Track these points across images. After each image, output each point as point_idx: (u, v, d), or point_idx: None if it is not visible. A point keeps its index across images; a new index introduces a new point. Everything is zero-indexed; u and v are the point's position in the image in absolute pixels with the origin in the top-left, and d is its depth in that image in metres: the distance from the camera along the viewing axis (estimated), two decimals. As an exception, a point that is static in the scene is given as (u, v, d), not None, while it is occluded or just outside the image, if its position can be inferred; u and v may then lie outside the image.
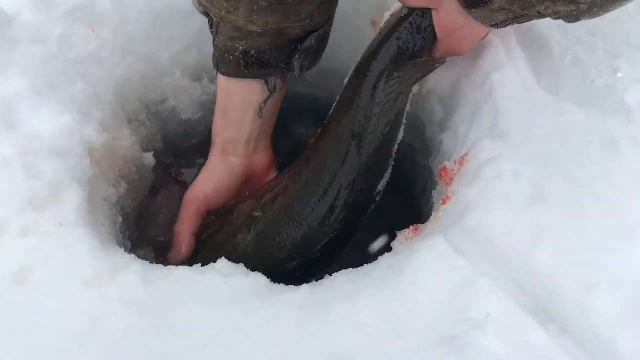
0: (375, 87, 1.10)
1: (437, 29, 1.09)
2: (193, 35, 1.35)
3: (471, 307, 0.83)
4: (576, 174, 0.91)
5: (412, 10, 1.10)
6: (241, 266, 0.99)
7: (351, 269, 0.97)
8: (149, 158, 1.30)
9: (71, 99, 1.11)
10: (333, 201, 1.10)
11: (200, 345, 0.83)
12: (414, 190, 1.44)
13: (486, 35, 1.10)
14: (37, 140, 1.02)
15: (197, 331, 0.85)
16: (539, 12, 0.89)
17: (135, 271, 0.92)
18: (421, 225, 1.07)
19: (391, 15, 1.14)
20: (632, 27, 1.09)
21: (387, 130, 1.11)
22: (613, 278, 0.82)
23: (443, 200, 1.04)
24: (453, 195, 1.02)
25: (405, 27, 1.10)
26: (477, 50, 1.14)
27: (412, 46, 1.10)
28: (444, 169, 1.10)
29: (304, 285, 0.94)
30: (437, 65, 1.09)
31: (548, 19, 1.09)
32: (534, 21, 1.12)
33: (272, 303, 0.89)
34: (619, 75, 1.02)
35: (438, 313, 0.83)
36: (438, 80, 1.22)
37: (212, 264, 0.98)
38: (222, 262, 0.98)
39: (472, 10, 0.95)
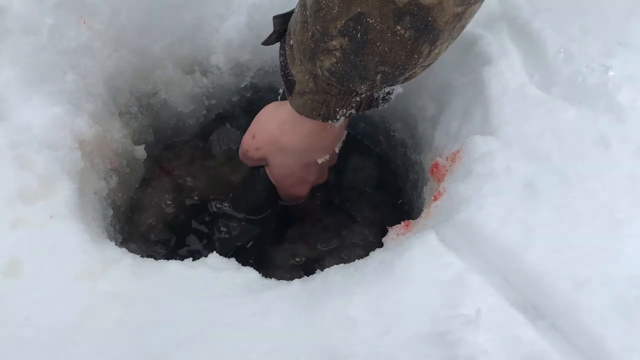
0: None
1: (271, 179, 1.23)
2: (185, 27, 1.34)
3: (462, 302, 0.83)
4: (567, 172, 0.92)
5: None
6: (232, 260, 0.99)
7: (342, 264, 0.97)
8: (140, 151, 1.29)
9: (62, 91, 1.11)
10: None
11: (191, 339, 0.83)
12: (405, 185, 1.44)
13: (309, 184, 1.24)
14: (28, 132, 1.02)
15: (188, 325, 0.85)
16: (339, 89, 0.96)
17: (126, 265, 0.91)
18: (412, 220, 1.07)
19: None
20: (624, 26, 1.09)
21: None
22: (603, 275, 0.82)
23: (434, 196, 1.05)
24: (445, 191, 1.02)
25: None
26: (470, 46, 1.14)
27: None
28: (436, 165, 1.11)
29: (296, 280, 0.94)
30: None
31: (541, 19, 1.10)
32: (527, 17, 1.13)
33: (263, 297, 0.89)
34: (611, 73, 1.02)
35: (429, 308, 0.84)
36: (430, 75, 1.22)
37: (203, 258, 0.98)
38: (214, 257, 0.98)
39: (289, 98, 1.04)
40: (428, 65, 0.92)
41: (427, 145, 1.25)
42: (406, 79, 0.95)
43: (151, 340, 0.83)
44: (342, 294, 0.88)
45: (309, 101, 1.00)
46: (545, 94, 1.03)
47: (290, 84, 1.02)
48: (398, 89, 1.04)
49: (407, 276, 0.88)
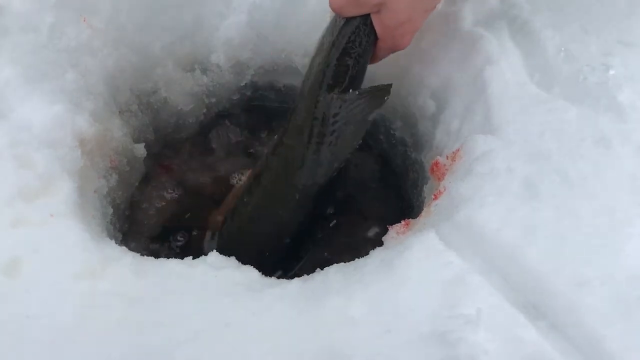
0: (325, 118, 1.10)
1: (377, 30, 1.08)
2: (185, 26, 1.34)
3: (462, 302, 0.83)
4: (568, 171, 0.92)
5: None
6: (232, 259, 0.99)
7: (342, 263, 0.97)
8: (140, 149, 1.29)
9: (62, 89, 1.11)
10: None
11: (191, 338, 0.83)
12: (405, 184, 1.44)
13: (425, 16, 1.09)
14: (28, 131, 1.02)
15: (188, 324, 0.85)
16: None
17: (126, 264, 0.91)
18: (412, 219, 1.07)
19: (333, 20, 1.13)
20: (625, 24, 1.09)
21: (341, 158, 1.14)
22: (603, 275, 0.82)
23: (435, 195, 1.04)
24: (445, 190, 1.02)
25: (348, 38, 1.09)
26: (471, 45, 1.14)
27: (356, 53, 1.10)
28: (436, 163, 1.10)
29: (296, 279, 0.94)
30: (383, 101, 1.10)
31: (542, 18, 1.10)
32: (527, 17, 1.12)
33: (264, 296, 0.89)
34: (611, 72, 1.02)
35: (429, 308, 0.83)
36: (431, 74, 1.22)
37: (203, 257, 0.98)
38: (214, 255, 0.98)
39: None
40: None
41: (428, 144, 1.25)
42: None
43: (151, 339, 0.83)
44: (342, 293, 0.88)
45: None
46: (546, 93, 1.03)
47: None
48: None
49: (407, 275, 0.88)
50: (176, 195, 1.42)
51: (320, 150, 1.11)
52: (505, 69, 1.08)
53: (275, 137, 1.21)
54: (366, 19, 1.07)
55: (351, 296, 0.87)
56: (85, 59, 1.19)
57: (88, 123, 1.11)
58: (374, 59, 1.14)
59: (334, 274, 0.93)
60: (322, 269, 0.97)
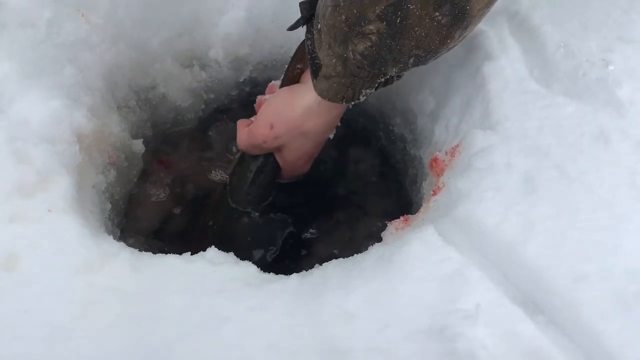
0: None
1: (280, 163, 1.24)
2: (184, 21, 1.34)
3: (460, 297, 0.83)
4: (567, 167, 0.92)
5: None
6: (231, 255, 0.99)
7: (341, 258, 0.97)
8: (139, 145, 1.29)
9: (60, 85, 1.10)
10: None
11: (189, 333, 0.83)
12: (404, 180, 1.44)
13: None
14: (26, 126, 1.01)
15: (186, 319, 0.85)
16: (369, 72, 0.98)
17: (124, 259, 0.91)
18: (411, 215, 1.07)
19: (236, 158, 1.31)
20: (625, 20, 1.09)
21: None
22: (602, 270, 0.82)
23: (434, 191, 1.04)
24: (444, 186, 1.02)
25: (255, 171, 1.28)
26: (470, 40, 1.14)
27: (260, 180, 1.30)
28: (435, 159, 1.10)
29: (294, 275, 0.94)
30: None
31: (541, 14, 1.10)
32: (527, 12, 1.12)
33: (262, 292, 0.89)
34: (611, 68, 1.02)
35: (427, 303, 0.84)
36: (430, 70, 1.22)
37: (201, 252, 0.98)
38: (212, 251, 0.98)
39: (314, 81, 1.05)
40: (452, 47, 0.95)
41: (427, 140, 1.25)
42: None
43: (149, 334, 0.82)
44: (341, 288, 0.88)
45: (334, 84, 1.02)
46: (545, 89, 1.03)
47: (316, 67, 1.03)
48: None
49: (406, 271, 0.88)
50: (175, 190, 1.42)
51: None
52: (504, 64, 1.08)
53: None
54: (267, 159, 1.25)
55: (350, 291, 0.87)
56: (83, 54, 1.19)
57: (86, 118, 1.11)
58: (281, 179, 1.31)
59: (333, 269, 0.93)
60: (321, 264, 0.97)
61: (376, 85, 1.03)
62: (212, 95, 1.47)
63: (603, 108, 0.97)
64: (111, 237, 1.01)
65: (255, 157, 1.25)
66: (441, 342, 0.79)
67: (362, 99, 1.05)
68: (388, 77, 1.02)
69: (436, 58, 0.96)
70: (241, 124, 1.22)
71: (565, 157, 0.93)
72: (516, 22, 1.13)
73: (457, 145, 1.05)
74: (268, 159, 1.25)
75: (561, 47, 1.06)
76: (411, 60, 0.93)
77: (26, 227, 0.91)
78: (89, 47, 1.20)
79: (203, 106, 1.48)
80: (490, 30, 1.13)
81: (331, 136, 1.20)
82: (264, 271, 0.97)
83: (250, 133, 1.18)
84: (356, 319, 0.83)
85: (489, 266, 0.86)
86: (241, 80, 1.47)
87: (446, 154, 1.08)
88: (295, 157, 1.21)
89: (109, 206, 1.18)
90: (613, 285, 0.81)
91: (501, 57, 1.09)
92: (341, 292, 0.87)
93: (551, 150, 0.94)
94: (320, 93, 1.05)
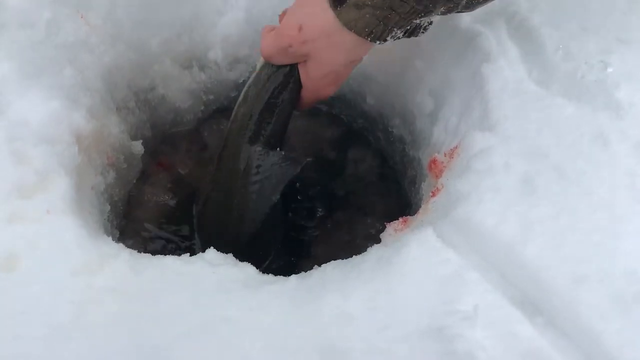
0: (247, 173, 1.17)
1: (302, 79, 1.11)
2: (183, 22, 1.34)
3: (459, 299, 0.83)
4: (566, 168, 0.92)
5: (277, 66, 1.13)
6: (230, 256, 0.99)
7: (340, 260, 0.97)
8: (138, 146, 1.29)
9: (59, 85, 1.10)
10: None
11: (188, 335, 0.83)
12: (403, 181, 1.44)
13: (353, 66, 1.10)
14: (25, 127, 1.01)
15: (184, 320, 0.85)
16: (413, 8, 0.90)
17: (123, 260, 0.91)
18: (410, 217, 1.07)
19: (259, 69, 1.16)
20: (623, 22, 1.09)
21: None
22: (601, 271, 0.83)
23: (432, 192, 1.04)
24: (443, 187, 1.02)
25: (271, 92, 1.14)
26: (469, 42, 1.14)
27: (278, 105, 1.15)
28: (434, 161, 1.10)
29: (293, 276, 0.94)
30: (297, 170, 1.17)
31: (540, 16, 1.10)
32: (526, 14, 1.12)
33: (261, 293, 0.89)
34: (610, 70, 1.02)
35: (426, 305, 0.84)
36: (429, 71, 1.22)
37: (200, 253, 0.98)
38: (211, 252, 0.98)
39: (337, 9, 0.95)
40: None
41: (426, 141, 1.25)
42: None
43: (148, 335, 0.82)
44: (340, 290, 0.88)
45: (367, 15, 0.92)
46: (544, 90, 1.03)
47: None
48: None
49: (405, 272, 0.88)
50: (174, 192, 1.42)
51: (247, 200, 1.18)
52: (503, 66, 1.08)
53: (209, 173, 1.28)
54: (291, 73, 1.11)
55: (349, 293, 0.87)
56: (83, 55, 1.18)
57: (85, 119, 1.11)
58: (299, 106, 1.17)
59: (332, 270, 0.93)
60: (319, 265, 0.97)
61: (408, 27, 0.94)
62: (211, 97, 1.47)
63: (602, 109, 0.98)
64: (110, 238, 1.01)
65: (275, 74, 1.13)
66: (440, 343, 0.79)
67: (388, 39, 0.96)
68: (419, 23, 0.94)
69: (485, 4, 0.92)
70: (266, 27, 1.11)
71: (564, 158, 0.93)
72: (515, 24, 1.13)
73: (456, 147, 1.05)
74: (289, 77, 1.12)
75: (560, 48, 1.07)
76: (463, 2, 0.88)
77: (25, 227, 0.91)
78: (88, 48, 1.20)
79: (202, 107, 1.48)
80: (489, 31, 1.13)
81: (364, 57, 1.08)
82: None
83: (278, 34, 1.06)
84: (355, 320, 0.83)
85: (488, 267, 0.86)
86: (240, 81, 1.47)
87: (445, 155, 1.08)
88: (321, 73, 1.08)
89: (108, 207, 1.18)
90: (612, 286, 0.81)
91: (500, 58, 1.09)
92: (340, 293, 0.87)
93: (550, 152, 0.94)
94: (347, 23, 0.94)
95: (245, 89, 1.17)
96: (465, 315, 0.81)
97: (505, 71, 1.07)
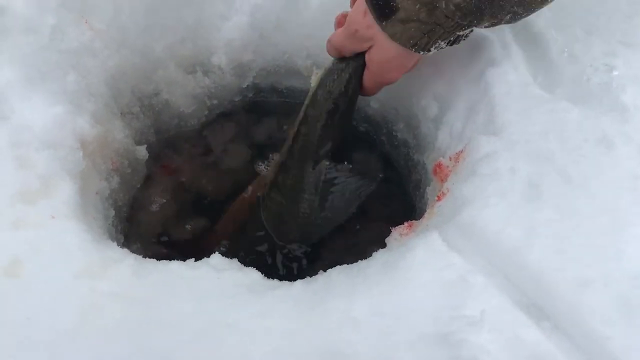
0: (317, 185, 1.19)
1: (368, 63, 1.13)
2: (187, 27, 1.34)
3: (465, 303, 0.83)
4: (571, 172, 0.91)
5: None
6: (234, 261, 0.99)
7: (346, 264, 0.97)
8: (142, 151, 1.29)
9: (63, 91, 1.11)
10: None
11: (193, 340, 0.83)
12: (407, 185, 1.44)
13: (414, 65, 1.12)
14: (29, 132, 1.01)
15: (189, 325, 0.85)
16: (457, 23, 0.94)
17: (127, 265, 0.91)
18: (415, 221, 1.06)
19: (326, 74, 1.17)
20: (628, 26, 1.09)
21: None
22: (606, 275, 0.82)
23: (438, 196, 1.04)
24: (448, 191, 1.01)
25: (339, 91, 1.16)
26: (474, 46, 1.14)
27: (345, 92, 1.16)
28: (439, 165, 1.10)
29: (298, 281, 0.93)
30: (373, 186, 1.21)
31: (545, 20, 1.10)
32: (530, 18, 1.12)
33: (266, 298, 0.89)
34: (615, 73, 1.02)
35: (432, 309, 0.83)
36: (434, 75, 1.22)
37: (205, 258, 0.98)
38: (216, 257, 0.97)
39: (384, 24, 0.99)
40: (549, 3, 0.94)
41: (430, 145, 1.25)
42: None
43: (152, 340, 0.82)
44: (345, 294, 0.87)
45: (411, 29, 0.97)
46: (549, 94, 1.03)
47: (389, 10, 0.97)
48: None
49: (410, 277, 0.87)
50: (178, 196, 1.42)
51: (311, 214, 1.20)
52: (508, 70, 1.08)
53: (267, 179, 1.28)
54: (356, 70, 1.14)
55: (354, 298, 0.86)
56: (87, 60, 1.19)
57: (89, 125, 1.11)
58: (365, 92, 1.19)
59: (337, 275, 0.93)
60: (325, 270, 0.97)
61: (451, 39, 0.99)
62: (215, 101, 1.47)
63: (607, 113, 0.97)
64: (115, 243, 1.01)
65: (340, 67, 1.15)
66: (446, 348, 0.79)
67: (432, 50, 1.01)
68: (462, 34, 0.99)
69: (528, 16, 0.95)
70: (338, 15, 1.16)
71: (569, 162, 0.93)
72: (519, 28, 1.13)
73: (462, 151, 1.05)
74: (356, 72, 1.14)
75: (565, 52, 1.06)
76: (508, 17, 0.92)
77: (29, 232, 0.91)
78: (92, 53, 1.20)
79: (206, 112, 1.48)
80: (494, 35, 1.13)
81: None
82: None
83: (347, 21, 1.10)
84: (360, 324, 0.83)
85: (493, 272, 0.86)
86: (244, 86, 1.47)
87: (450, 160, 1.08)
88: (385, 58, 1.09)
89: (113, 212, 1.18)
90: (617, 290, 0.81)
91: (505, 62, 1.09)
92: (345, 298, 0.86)
93: (555, 155, 0.94)
94: (392, 35, 1.00)
95: (313, 90, 1.18)
96: (471, 320, 0.81)
97: (510, 75, 1.07)
